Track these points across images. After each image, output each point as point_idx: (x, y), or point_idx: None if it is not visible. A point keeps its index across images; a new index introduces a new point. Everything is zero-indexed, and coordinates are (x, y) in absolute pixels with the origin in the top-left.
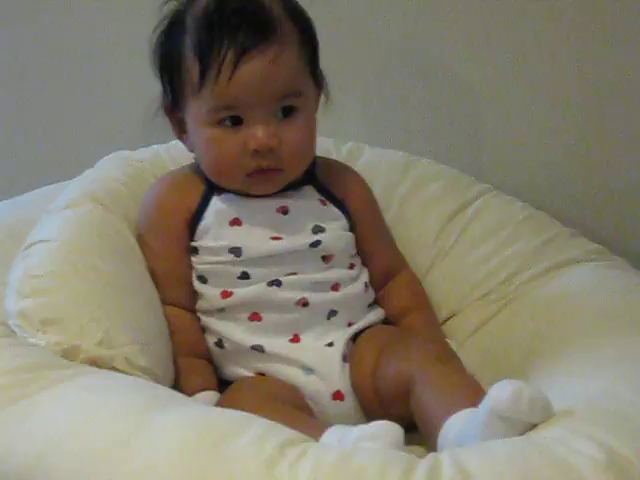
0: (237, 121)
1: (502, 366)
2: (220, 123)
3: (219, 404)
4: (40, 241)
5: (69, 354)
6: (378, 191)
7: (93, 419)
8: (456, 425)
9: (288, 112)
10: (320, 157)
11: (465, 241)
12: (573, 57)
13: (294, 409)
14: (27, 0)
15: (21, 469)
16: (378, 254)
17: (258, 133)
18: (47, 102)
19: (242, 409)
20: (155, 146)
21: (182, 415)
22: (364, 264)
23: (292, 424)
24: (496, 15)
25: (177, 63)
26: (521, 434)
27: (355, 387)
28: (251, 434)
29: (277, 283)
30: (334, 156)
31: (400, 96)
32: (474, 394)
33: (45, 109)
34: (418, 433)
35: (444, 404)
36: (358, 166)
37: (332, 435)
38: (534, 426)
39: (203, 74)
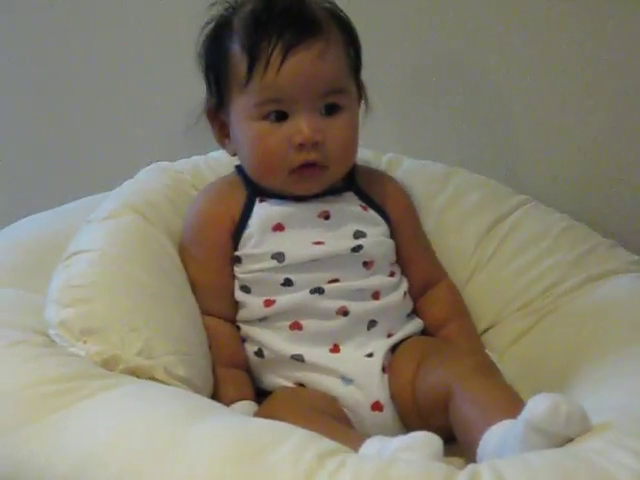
0: (282, 116)
1: (541, 377)
2: (266, 118)
3: (258, 414)
4: (80, 251)
5: (109, 364)
6: (417, 201)
7: (132, 429)
8: (495, 437)
9: (332, 110)
10: (360, 165)
11: (504, 252)
12: (611, 66)
13: (333, 420)
14: (61, 12)
15: (61, 478)
16: (417, 263)
17: (303, 127)
18: (87, 113)
19: (281, 419)
20: (195, 157)
21: (221, 425)
22: (403, 273)
23: (331, 435)
24: (532, 24)
25: (224, 60)
26: (559, 446)
27: (394, 398)
28: (290, 444)
29: (320, 291)
30: (373, 166)
31: (436, 107)
32: (513, 406)
33: (85, 120)
34: (457, 444)
35: (483, 416)
36: (397, 176)
37: (371, 446)
38: (572, 439)
39: (251, 67)
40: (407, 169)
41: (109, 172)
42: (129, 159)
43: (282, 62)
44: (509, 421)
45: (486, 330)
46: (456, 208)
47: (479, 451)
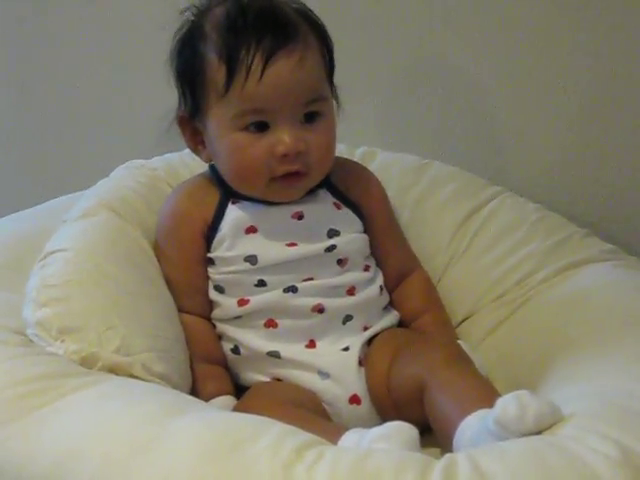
0: (262, 126)
1: (517, 367)
2: (246, 129)
3: (237, 409)
4: (56, 251)
5: (87, 362)
6: (391, 194)
7: (111, 426)
8: (470, 428)
9: (312, 117)
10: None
11: (479, 243)
12: (588, 58)
13: (311, 413)
14: (42, 9)
15: (41, 476)
16: (392, 254)
17: (285, 138)
18: (60, 112)
19: (259, 414)
20: (169, 154)
21: (199, 420)
22: (378, 265)
23: (310, 428)
24: (510, 18)
25: (199, 68)
26: None
27: (370, 391)
28: (268, 438)
29: (293, 289)
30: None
31: (411, 99)
32: (487, 395)
33: (59, 119)
34: (433, 435)
35: (458, 406)
36: (371, 170)
37: (350, 438)
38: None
39: (230, 77)
40: (381, 162)
41: (84, 171)
42: (104, 157)
43: (263, 71)
44: (483, 411)
45: (463, 321)
46: (431, 200)
47: (455, 441)
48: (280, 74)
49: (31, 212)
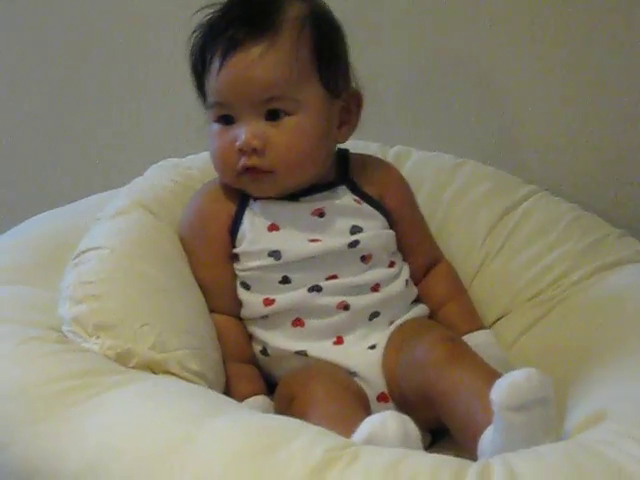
0: (230, 120)
1: (551, 368)
2: (219, 120)
3: (280, 390)
4: (91, 249)
5: (123, 358)
6: (426, 193)
7: (147, 425)
8: (488, 436)
9: (277, 115)
10: (354, 153)
11: (514, 242)
12: (618, 61)
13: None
14: (69, 10)
15: (75, 474)
16: (418, 248)
17: (241, 132)
18: (97, 111)
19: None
20: (204, 153)
21: (234, 421)
22: (404, 260)
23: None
24: (537, 20)
25: (192, 64)
26: (544, 420)
27: (389, 390)
28: (302, 440)
29: (317, 289)
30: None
31: (444, 100)
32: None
33: (95, 118)
34: (446, 439)
35: (476, 411)
36: (406, 169)
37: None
38: (550, 406)
39: (200, 72)
40: (416, 161)
41: (119, 169)
42: (139, 156)
43: (220, 67)
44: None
45: (496, 320)
46: (465, 199)
47: (479, 446)
48: (234, 70)
49: (66, 209)
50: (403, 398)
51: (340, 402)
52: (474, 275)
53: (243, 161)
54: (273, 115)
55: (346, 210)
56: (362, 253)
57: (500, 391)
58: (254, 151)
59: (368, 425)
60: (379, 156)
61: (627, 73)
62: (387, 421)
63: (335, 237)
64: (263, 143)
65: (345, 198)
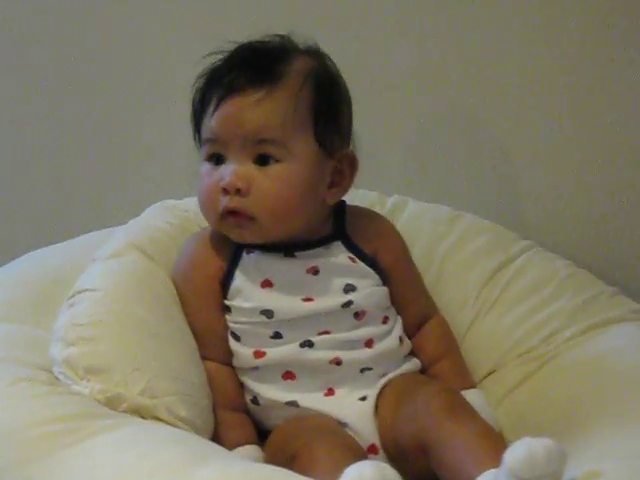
0: (220, 159)
1: (540, 424)
2: (209, 159)
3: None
4: (85, 290)
5: (112, 403)
6: (422, 245)
7: (132, 474)
8: None
9: (266, 160)
10: (351, 206)
11: (507, 298)
12: (619, 115)
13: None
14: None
15: None
16: (412, 303)
17: (227, 172)
18: (96, 148)
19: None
20: None
21: (222, 470)
22: (398, 313)
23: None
24: (535, 74)
25: (194, 107)
26: None
27: (381, 440)
28: None
29: (309, 344)
30: (378, 209)
31: (442, 151)
32: (494, 446)
33: (92, 155)
34: None
35: (467, 464)
36: (402, 219)
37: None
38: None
39: (199, 113)
40: (412, 212)
41: (118, 207)
42: (138, 195)
43: (217, 107)
44: (493, 471)
45: (487, 375)
46: (461, 252)
47: None
48: (229, 110)
49: (63, 246)
50: (396, 448)
51: (343, 464)
52: (467, 330)
53: (224, 202)
54: (262, 160)
55: (340, 268)
56: (355, 310)
57: (516, 458)
58: (237, 192)
59: (346, 476)
60: (377, 205)
61: (624, 128)
62: (364, 470)
63: (329, 297)
64: (247, 185)
65: (340, 256)
